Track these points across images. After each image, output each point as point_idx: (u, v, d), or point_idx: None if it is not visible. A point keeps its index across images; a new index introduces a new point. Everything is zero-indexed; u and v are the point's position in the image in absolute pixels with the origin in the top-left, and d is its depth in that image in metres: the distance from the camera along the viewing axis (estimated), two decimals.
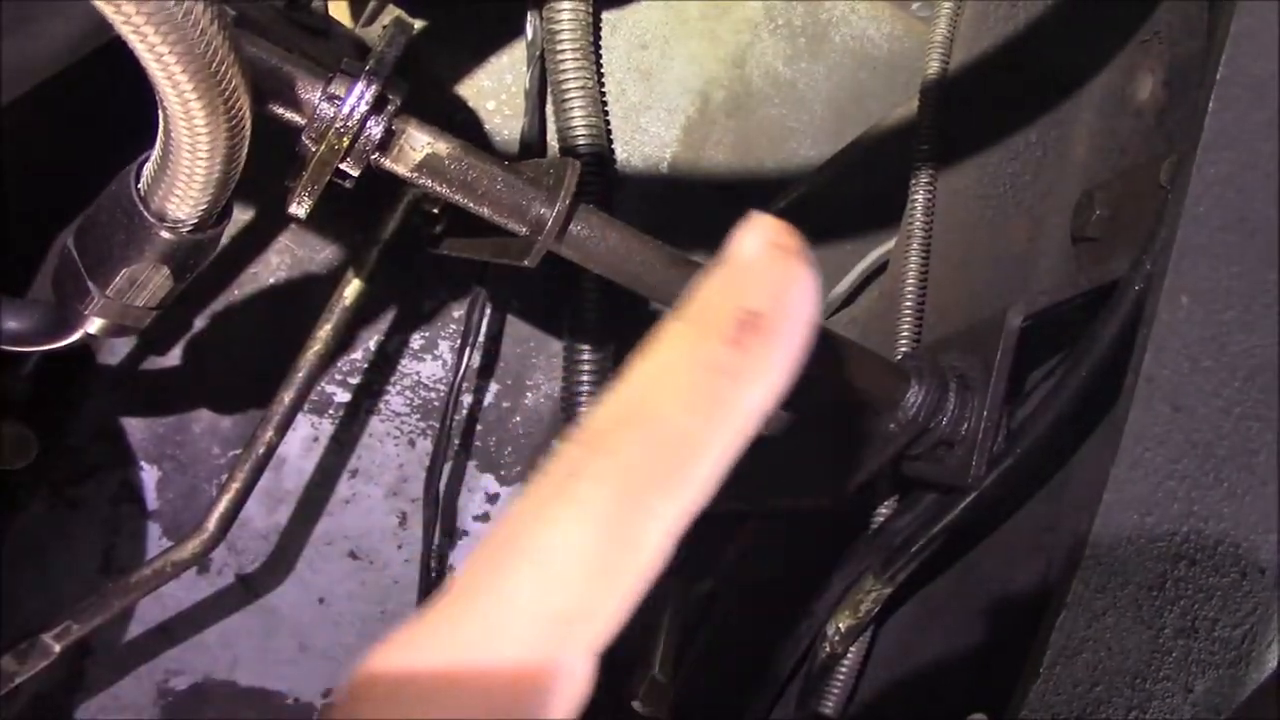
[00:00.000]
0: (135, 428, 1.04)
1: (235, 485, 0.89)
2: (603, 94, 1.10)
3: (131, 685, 1.05)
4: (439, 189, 0.69)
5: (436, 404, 1.10)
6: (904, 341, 0.99)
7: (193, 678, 1.06)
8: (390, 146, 0.67)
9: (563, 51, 1.03)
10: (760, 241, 0.37)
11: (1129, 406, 0.66)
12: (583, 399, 1.04)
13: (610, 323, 1.05)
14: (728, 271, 0.36)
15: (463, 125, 1.10)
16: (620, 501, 0.34)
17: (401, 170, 0.68)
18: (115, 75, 0.60)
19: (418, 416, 1.11)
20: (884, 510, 0.97)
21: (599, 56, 1.11)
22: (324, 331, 0.92)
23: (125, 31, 0.48)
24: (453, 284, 1.10)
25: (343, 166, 0.65)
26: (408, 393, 1.10)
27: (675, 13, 1.14)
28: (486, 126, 1.11)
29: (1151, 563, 0.66)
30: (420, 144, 0.67)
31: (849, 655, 0.95)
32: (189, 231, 0.63)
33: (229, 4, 0.65)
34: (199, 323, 1.04)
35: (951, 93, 1.03)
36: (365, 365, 1.09)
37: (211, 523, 0.89)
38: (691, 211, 1.17)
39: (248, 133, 0.58)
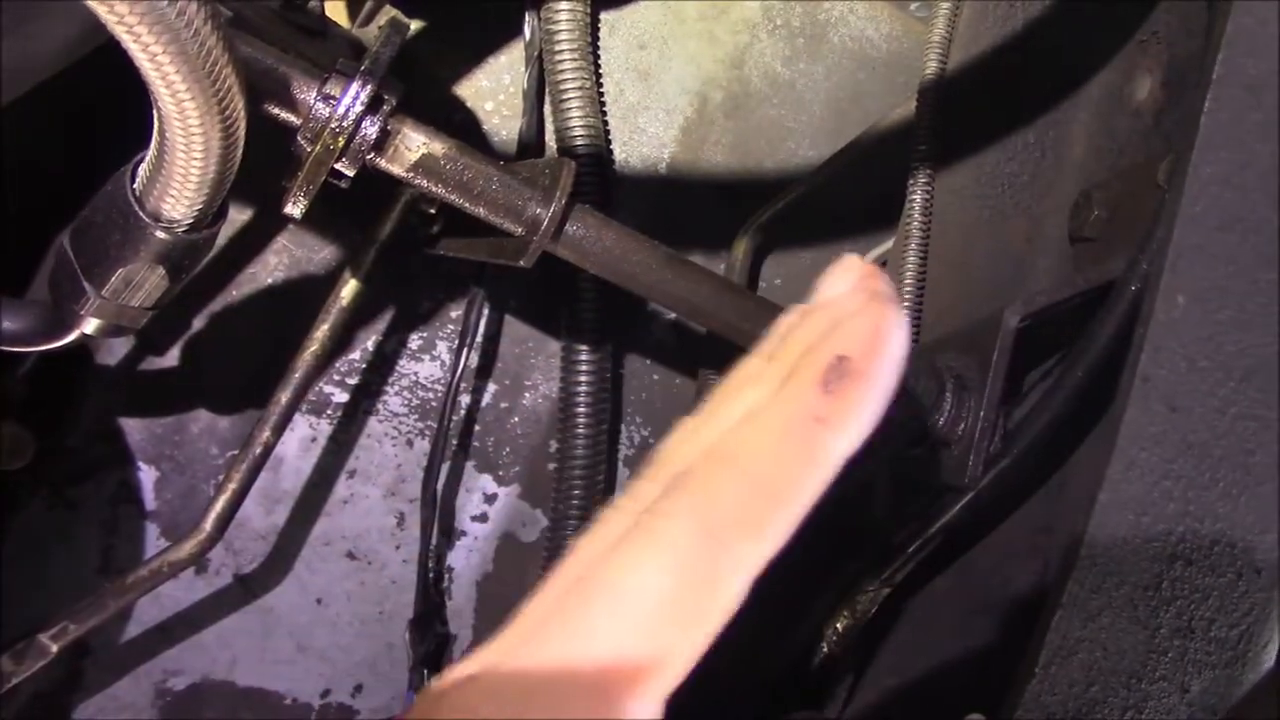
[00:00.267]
0: (133, 428, 1.04)
1: (232, 485, 0.89)
2: (601, 94, 1.10)
3: (129, 685, 1.05)
4: (434, 189, 0.69)
5: (434, 404, 1.10)
6: None
7: (191, 678, 1.06)
8: (385, 146, 0.67)
9: (561, 52, 1.03)
10: (851, 284, 0.37)
11: (1125, 406, 0.66)
12: (581, 399, 1.04)
13: (608, 323, 1.05)
14: (821, 313, 0.36)
15: (461, 125, 1.10)
16: (705, 543, 0.34)
17: (397, 170, 0.68)
18: (112, 76, 0.60)
19: (415, 417, 1.10)
20: (881, 510, 0.97)
21: (597, 57, 1.11)
22: (321, 332, 0.92)
23: (119, 32, 0.48)
24: (450, 284, 1.10)
25: (338, 166, 0.65)
26: (405, 393, 1.10)
27: (673, 13, 1.14)
28: (485, 127, 1.11)
29: (1147, 563, 0.66)
30: (415, 144, 0.67)
31: (847, 656, 0.95)
32: (184, 232, 0.63)
33: (225, 4, 0.65)
34: (197, 323, 1.04)
35: (950, 93, 1.03)
36: (363, 366, 1.09)
37: (209, 523, 0.89)
38: (690, 212, 1.17)
39: (242, 133, 0.58)
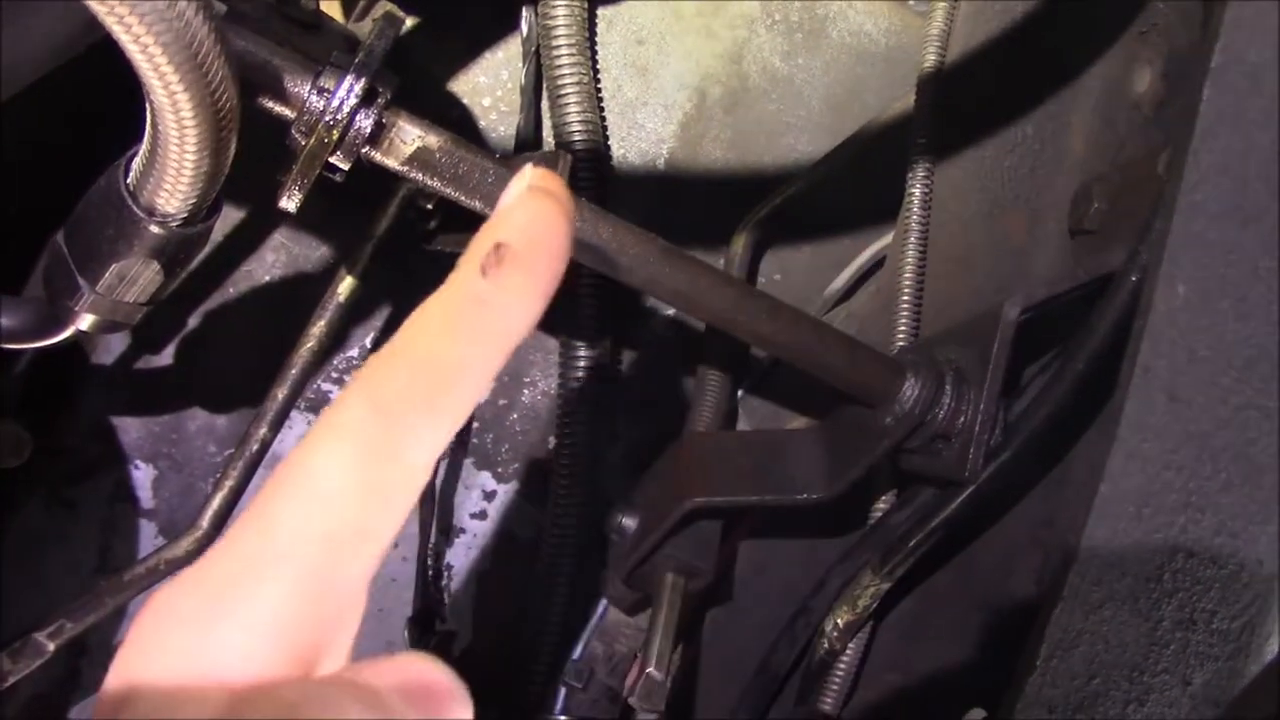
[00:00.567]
0: (130, 426, 1.04)
1: (229, 483, 0.89)
2: (598, 90, 1.10)
3: None
4: (430, 182, 0.68)
5: None
6: (902, 336, 0.98)
7: None
8: (380, 140, 0.66)
9: (558, 47, 1.03)
10: (521, 187, 0.40)
11: (1125, 397, 0.66)
12: (579, 396, 1.04)
13: (606, 319, 1.05)
14: (493, 216, 0.40)
15: (458, 121, 1.09)
16: (378, 422, 0.36)
17: (392, 163, 0.67)
18: (107, 71, 0.60)
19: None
20: (881, 505, 0.97)
21: (595, 52, 1.10)
22: (318, 328, 0.92)
23: (111, 25, 0.48)
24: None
25: (333, 160, 0.65)
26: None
27: (671, 9, 1.14)
28: (482, 123, 1.10)
29: (1149, 555, 0.65)
30: (411, 137, 0.67)
31: (847, 651, 0.95)
32: (178, 226, 0.63)
33: None
34: (193, 321, 1.04)
35: (948, 87, 1.03)
36: (360, 362, 1.08)
37: (206, 521, 0.88)
38: (688, 207, 1.16)
39: (236, 126, 0.58)
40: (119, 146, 0.63)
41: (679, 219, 1.16)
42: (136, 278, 0.65)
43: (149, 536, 1.05)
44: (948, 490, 0.85)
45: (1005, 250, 1.01)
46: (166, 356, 1.04)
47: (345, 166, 0.65)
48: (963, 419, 0.83)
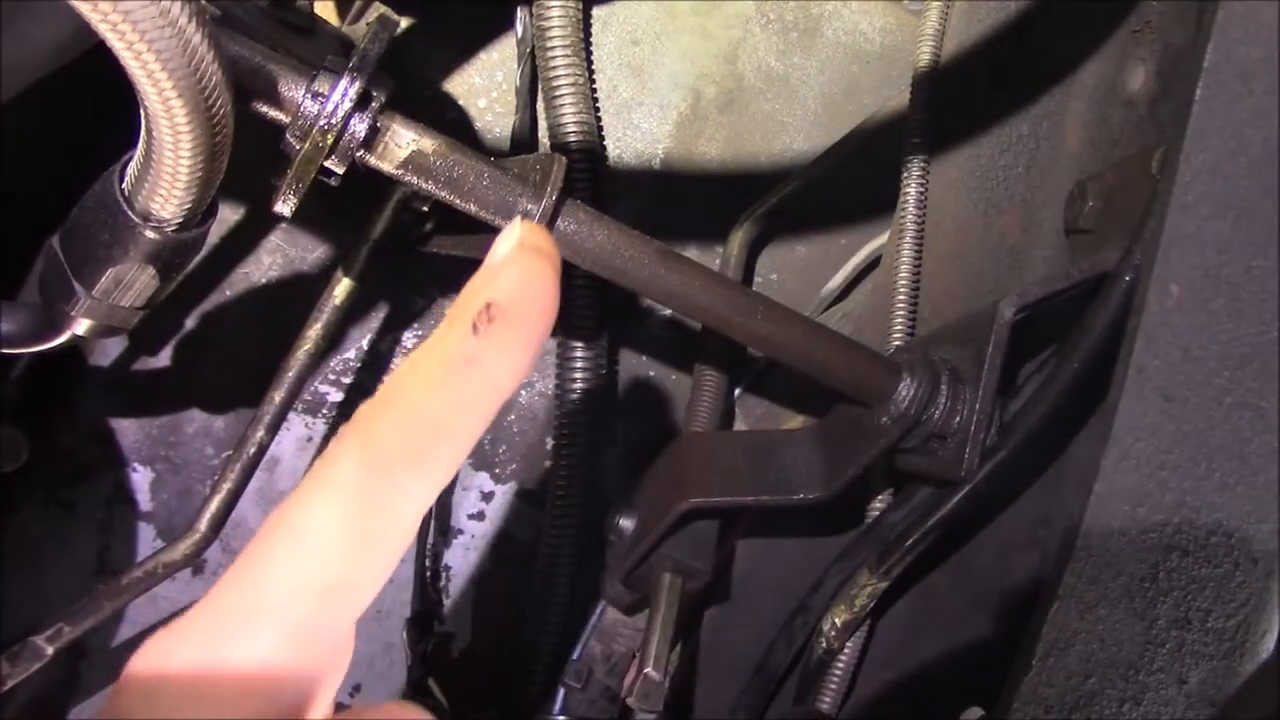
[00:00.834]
0: (127, 429, 1.04)
1: (226, 485, 0.89)
2: (593, 91, 1.10)
3: None
4: (425, 186, 0.69)
5: None
6: (897, 335, 0.98)
7: None
8: (375, 144, 0.66)
9: (553, 48, 1.03)
10: (511, 243, 0.41)
11: (1120, 397, 0.66)
12: (576, 396, 1.04)
13: (603, 319, 1.05)
14: (481, 271, 0.40)
15: (453, 123, 1.09)
16: (369, 477, 0.37)
17: (387, 167, 0.68)
18: (102, 75, 0.60)
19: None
20: (878, 504, 0.97)
21: (589, 53, 1.10)
22: (315, 330, 0.92)
23: (104, 31, 0.48)
24: (444, 282, 1.10)
25: (328, 164, 0.65)
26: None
27: (666, 9, 1.14)
28: (477, 124, 1.10)
29: (1144, 554, 0.66)
30: (405, 141, 0.67)
31: (845, 650, 0.95)
32: (174, 231, 0.63)
33: (212, 2, 0.65)
34: (190, 323, 1.04)
35: (943, 86, 1.03)
36: (357, 365, 1.08)
37: (203, 523, 0.88)
38: (684, 207, 1.16)
39: (230, 131, 0.58)
40: (116, 149, 0.63)
41: (674, 218, 1.16)
42: (133, 282, 0.65)
43: (147, 539, 1.05)
44: (944, 489, 0.85)
45: (1000, 249, 1.01)
46: (163, 359, 1.04)
47: (340, 171, 0.65)
48: (959, 418, 0.83)
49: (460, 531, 1.12)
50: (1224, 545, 0.66)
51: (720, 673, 1.04)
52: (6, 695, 0.89)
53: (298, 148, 0.64)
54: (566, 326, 1.04)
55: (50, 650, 0.87)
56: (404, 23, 1.05)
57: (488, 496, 1.13)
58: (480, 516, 1.13)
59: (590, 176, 1.03)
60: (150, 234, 0.62)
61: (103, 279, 0.65)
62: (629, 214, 1.13)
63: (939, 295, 1.01)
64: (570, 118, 1.03)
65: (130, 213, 0.61)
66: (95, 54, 0.56)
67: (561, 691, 1.05)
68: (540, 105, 1.07)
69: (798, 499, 0.90)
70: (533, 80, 1.07)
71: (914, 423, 0.83)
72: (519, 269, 0.40)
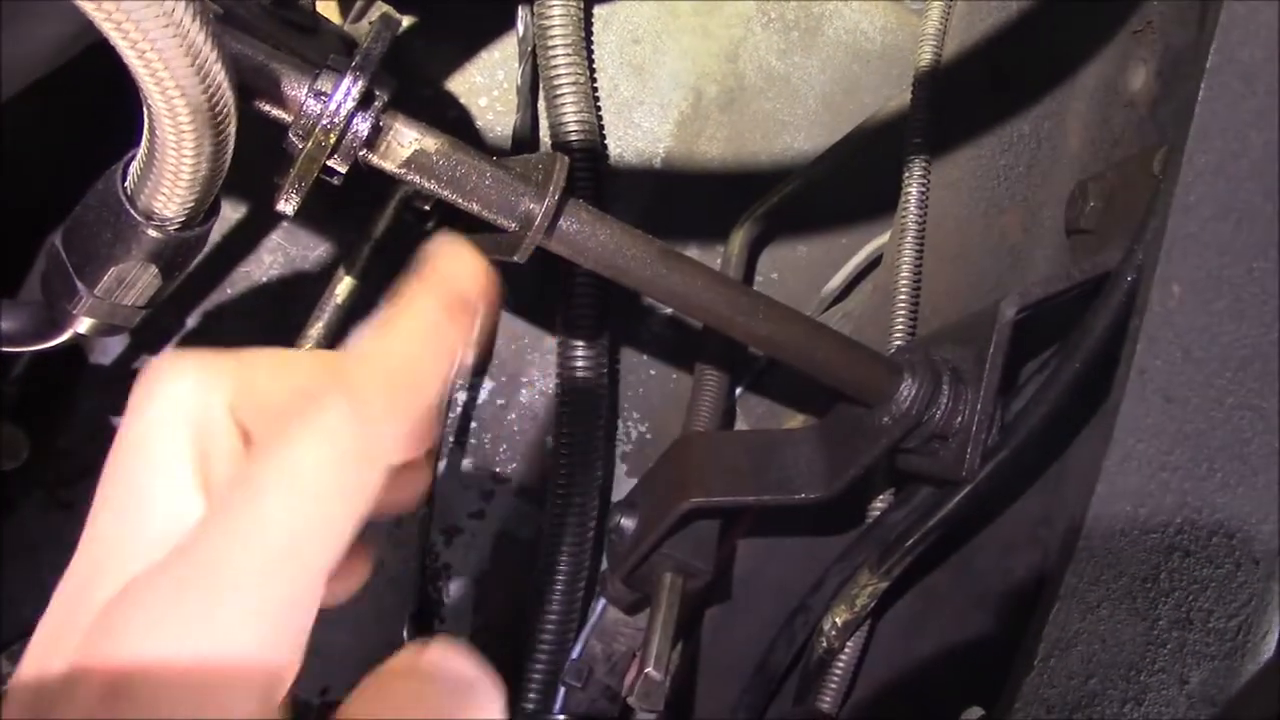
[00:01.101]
0: None
1: None
2: (595, 90, 1.10)
3: None
4: (427, 185, 0.68)
5: None
6: (898, 335, 0.98)
7: None
8: (377, 143, 0.66)
9: (554, 47, 1.03)
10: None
11: (1121, 397, 0.66)
12: (577, 395, 1.04)
13: (604, 318, 1.05)
14: (437, 273, 0.45)
15: (455, 121, 1.09)
16: (358, 427, 0.39)
17: (389, 166, 0.67)
18: (105, 74, 0.60)
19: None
20: (879, 504, 0.97)
21: (591, 52, 1.10)
22: (316, 329, 0.92)
23: (107, 29, 0.48)
24: None
25: (330, 163, 0.65)
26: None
27: (667, 8, 1.14)
28: (479, 123, 1.10)
29: (1145, 554, 0.66)
30: (408, 140, 0.67)
31: (845, 650, 0.95)
32: (176, 229, 0.63)
33: (217, 1, 0.65)
34: (191, 321, 1.04)
35: (944, 85, 1.03)
36: None
37: None
38: (685, 206, 1.16)
39: (233, 130, 0.58)
40: (118, 147, 0.63)
41: (676, 218, 1.16)
42: (135, 281, 0.65)
43: None
44: (945, 489, 0.85)
45: (1002, 249, 1.01)
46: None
47: (343, 170, 0.65)
48: (960, 418, 0.83)
49: (460, 530, 1.12)
50: (1225, 546, 0.66)
51: (721, 672, 1.04)
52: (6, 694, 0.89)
53: (300, 147, 0.64)
54: (568, 325, 1.04)
55: None
56: (406, 21, 1.05)
57: (488, 495, 1.13)
58: (480, 515, 1.13)
59: (592, 175, 1.03)
60: (153, 233, 0.62)
61: (105, 277, 0.65)
62: (630, 213, 1.13)
63: (940, 295, 1.01)
64: (572, 116, 1.03)
65: (133, 211, 0.61)
66: (97, 52, 0.56)
67: (562, 690, 1.05)
68: (542, 104, 1.07)
69: (799, 499, 0.90)
70: (534, 79, 1.07)
71: (915, 423, 0.83)
72: (464, 268, 0.45)
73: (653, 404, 1.15)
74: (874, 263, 1.14)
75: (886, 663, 0.98)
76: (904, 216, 1.01)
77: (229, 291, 1.05)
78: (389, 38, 0.66)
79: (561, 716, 1.05)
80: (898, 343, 0.98)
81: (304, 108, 0.63)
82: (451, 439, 1.11)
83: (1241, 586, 0.66)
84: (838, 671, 0.96)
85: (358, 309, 1.04)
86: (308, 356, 0.46)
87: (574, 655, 1.05)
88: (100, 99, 0.87)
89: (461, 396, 1.12)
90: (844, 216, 1.18)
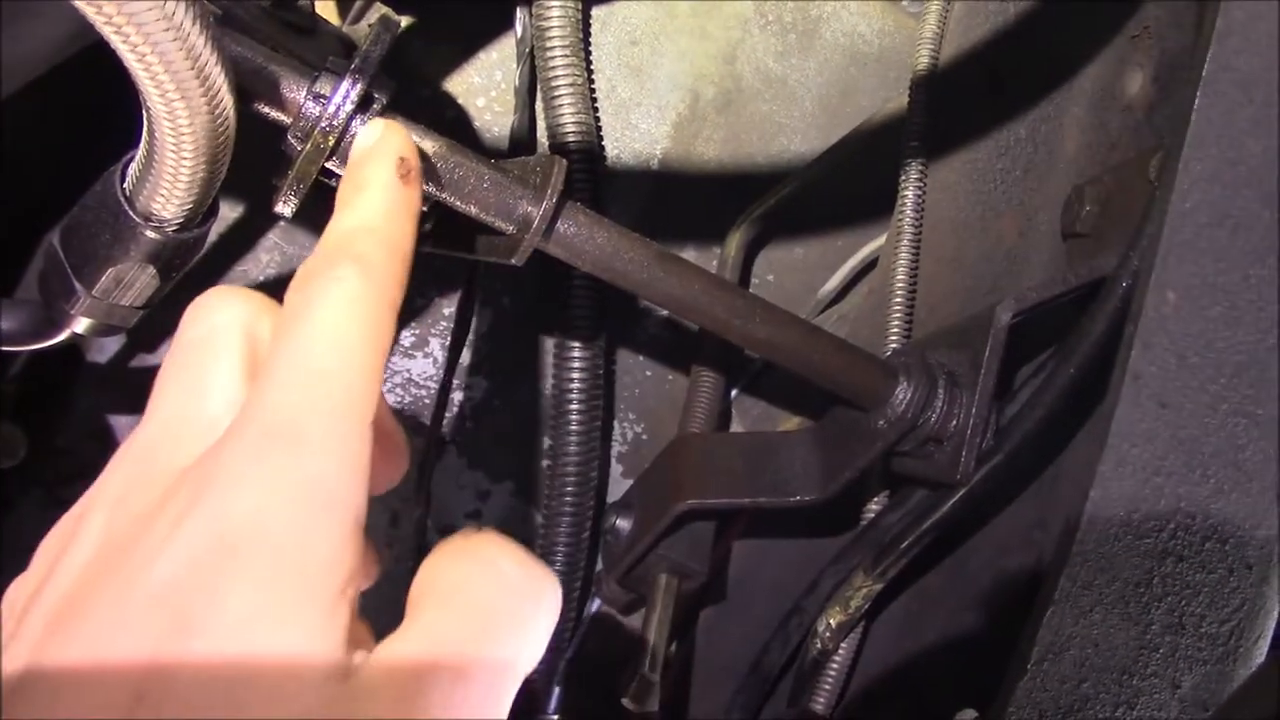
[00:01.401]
0: (126, 427, 1.04)
1: None
2: (592, 91, 1.10)
3: None
4: (425, 187, 0.68)
5: (427, 401, 1.10)
6: (894, 338, 0.99)
7: None
8: None
9: (552, 48, 1.03)
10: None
11: (1116, 403, 0.66)
12: (573, 396, 1.04)
13: (600, 319, 1.05)
14: (376, 148, 0.55)
15: (452, 122, 1.09)
16: (371, 284, 0.46)
17: None
18: (103, 74, 0.60)
19: (408, 414, 1.10)
20: (874, 507, 0.97)
21: (588, 53, 1.11)
22: None
23: (106, 31, 0.48)
24: (442, 281, 1.10)
25: (329, 165, 0.65)
26: (398, 390, 1.10)
27: (665, 9, 1.14)
28: (476, 123, 1.11)
29: (1138, 559, 0.66)
30: None
31: (840, 652, 0.95)
32: (175, 231, 0.63)
33: (214, 2, 0.65)
34: None
35: (941, 88, 1.03)
36: None
37: None
38: (682, 208, 1.17)
39: (232, 132, 0.58)
40: (117, 147, 0.63)
41: (672, 219, 1.16)
42: (133, 282, 0.65)
43: None
44: (940, 492, 0.85)
45: (998, 252, 1.01)
46: (162, 357, 1.03)
47: (341, 172, 0.65)
48: (955, 422, 0.83)
49: (457, 530, 1.13)
50: (1218, 551, 0.66)
51: (715, 673, 1.05)
52: None
53: (299, 149, 0.64)
54: (564, 327, 1.04)
55: None
56: (404, 22, 1.05)
57: (484, 495, 1.13)
58: (477, 515, 1.13)
59: (589, 177, 1.03)
60: (151, 234, 0.62)
61: (103, 278, 0.65)
62: (627, 214, 1.13)
63: (936, 298, 1.02)
64: (569, 118, 1.03)
65: (131, 213, 0.61)
66: (96, 51, 0.56)
67: (557, 690, 1.05)
68: (539, 105, 1.07)
69: (794, 501, 0.90)
70: (531, 80, 1.07)
71: (910, 426, 0.83)
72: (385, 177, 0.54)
73: (648, 405, 1.16)
74: (870, 265, 1.15)
75: (881, 664, 0.98)
76: (900, 219, 1.02)
77: None
78: (388, 40, 0.66)
79: (556, 716, 1.05)
80: (893, 346, 0.98)
81: (303, 110, 0.63)
82: (448, 439, 1.11)
83: (1234, 592, 0.66)
84: (832, 673, 0.96)
85: None
86: None
87: (568, 655, 1.06)
88: (99, 99, 0.87)
89: (458, 396, 1.12)
90: (840, 219, 1.18)
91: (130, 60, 0.50)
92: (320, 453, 0.40)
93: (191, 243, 0.65)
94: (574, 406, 1.04)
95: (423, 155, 0.66)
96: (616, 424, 1.15)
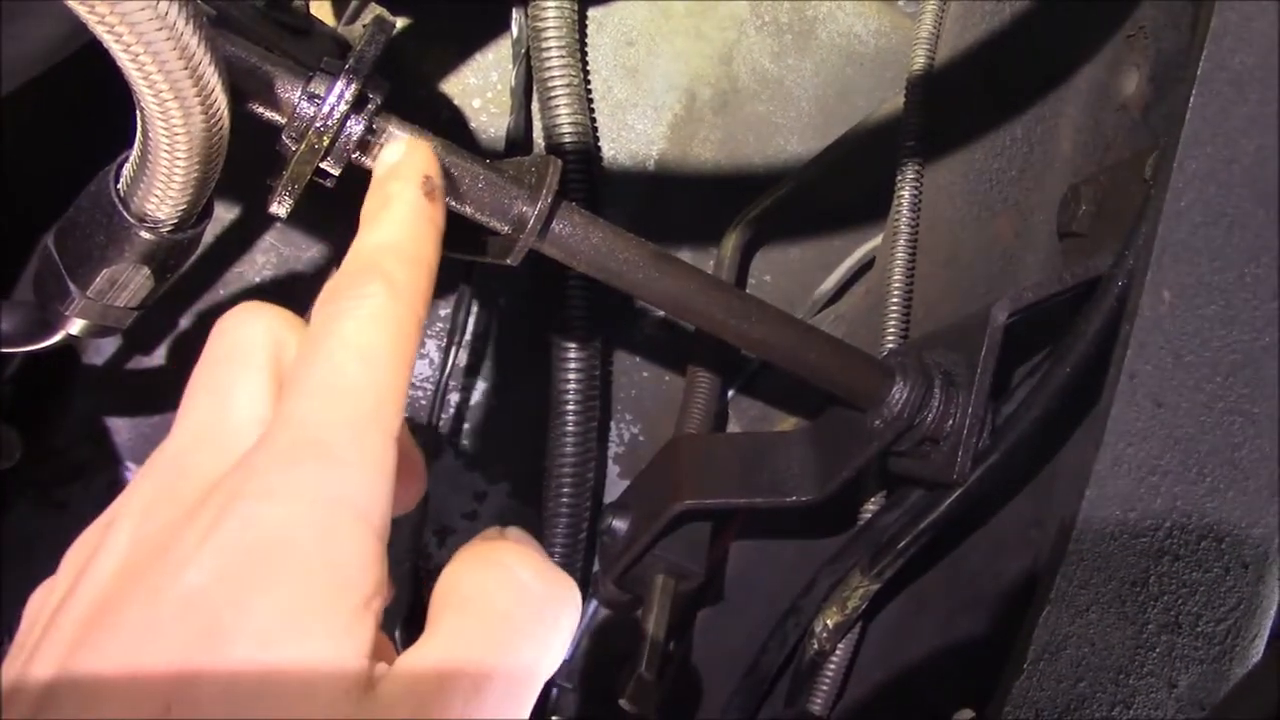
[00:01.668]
0: (121, 428, 1.04)
1: None
2: (588, 92, 1.10)
3: None
4: (440, 170, 0.68)
5: (423, 403, 1.10)
6: (890, 338, 0.99)
7: None
8: (371, 146, 0.66)
9: (548, 49, 1.03)
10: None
11: (1112, 402, 0.66)
12: (569, 397, 1.04)
13: (596, 320, 1.05)
14: (402, 165, 0.56)
15: (448, 123, 1.09)
16: (396, 302, 0.47)
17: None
18: (98, 74, 0.60)
19: (405, 415, 1.10)
20: (871, 507, 0.97)
21: (585, 54, 1.11)
22: None
23: (99, 32, 0.48)
24: (439, 282, 1.10)
25: (323, 166, 0.65)
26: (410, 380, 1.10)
27: (661, 10, 1.14)
28: (472, 124, 1.10)
29: (1135, 558, 0.66)
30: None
31: (837, 652, 0.95)
32: (169, 232, 0.63)
33: (208, 2, 0.65)
34: (184, 322, 1.04)
35: (937, 89, 1.03)
36: None
37: None
38: (678, 208, 1.17)
39: (226, 133, 0.58)
40: (112, 148, 0.63)
41: (669, 220, 1.16)
42: (127, 283, 0.65)
43: None
44: (936, 492, 0.85)
45: (994, 252, 1.01)
46: (158, 358, 1.04)
47: (336, 172, 0.65)
48: (951, 421, 0.83)
49: (453, 531, 1.12)
50: (1214, 550, 0.66)
51: (713, 674, 1.05)
52: None
53: (293, 149, 0.64)
54: (561, 327, 1.04)
55: None
56: (399, 23, 1.05)
57: (480, 496, 1.13)
58: (473, 516, 1.13)
59: (585, 178, 1.03)
60: (145, 235, 0.62)
61: (97, 279, 0.65)
62: (623, 215, 1.13)
63: (932, 298, 1.02)
64: (565, 119, 1.03)
65: (125, 213, 0.61)
66: (91, 53, 0.56)
67: (554, 692, 1.05)
68: (535, 106, 1.07)
69: (790, 501, 0.90)
70: (527, 81, 1.07)
71: (907, 426, 0.83)
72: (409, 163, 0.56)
73: (645, 406, 1.15)
74: (866, 266, 1.15)
75: (878, 665, 0.98)
76: (897, 219, 1.02)
77: (222, 292, 1.05)
78: (383, 40, 0.66)
79: (554, 718, 1.05)
80: (890, 346, 0.98)
81: (297, 110, 0.63)
82: (444, 440, 1.11)
83: (1230, 591, 0.66)
84: (829, 673, 0.96)
85: None
86: None
87: (566, 657, 1.05)
88: (95, 99, 0.87)
89: (455, 397, 1.12)
90: (837, 219, 1.18)
91: (124, 60, 0.50)
92: (348, 465, 0.41)
93: (186, 244, 0.65)
94: (570, 407, 1.04)
95: (444, 171, 0.66)
96: (613, 424, 1.15)
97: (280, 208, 0.66)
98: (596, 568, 1.06)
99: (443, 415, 1.10)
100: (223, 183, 0.62)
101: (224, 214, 1.03)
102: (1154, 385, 0.66)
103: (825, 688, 0.96)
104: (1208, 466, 0.66)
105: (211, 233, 1.03)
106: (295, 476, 0.40)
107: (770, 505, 0.91)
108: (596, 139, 1.11)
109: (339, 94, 0.63)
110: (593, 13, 1.12)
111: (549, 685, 1.03)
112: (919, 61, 1.04)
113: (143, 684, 0.36)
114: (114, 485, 1.04)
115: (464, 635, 0.42)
